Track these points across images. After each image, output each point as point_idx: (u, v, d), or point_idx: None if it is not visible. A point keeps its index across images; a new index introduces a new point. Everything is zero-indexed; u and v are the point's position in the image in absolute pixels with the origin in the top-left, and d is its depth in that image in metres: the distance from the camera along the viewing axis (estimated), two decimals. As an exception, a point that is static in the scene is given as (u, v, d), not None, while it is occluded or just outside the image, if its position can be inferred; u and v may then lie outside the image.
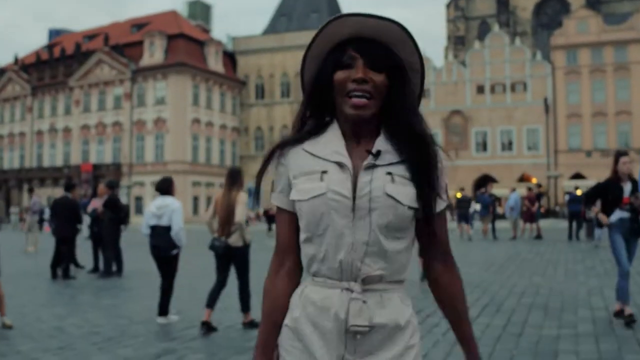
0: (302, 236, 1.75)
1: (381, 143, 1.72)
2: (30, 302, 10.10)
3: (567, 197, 26.12)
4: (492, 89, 62.15)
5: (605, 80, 59.97)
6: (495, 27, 67.97)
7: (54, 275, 13.23)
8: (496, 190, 51.89)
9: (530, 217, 25.33)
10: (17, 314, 8.83)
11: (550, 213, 55.28)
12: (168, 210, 8.21)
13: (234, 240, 7.59)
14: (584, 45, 60.76)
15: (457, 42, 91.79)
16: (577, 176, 58.83)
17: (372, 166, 1.67)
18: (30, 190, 23.20)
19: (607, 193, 7.81)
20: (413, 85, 1.81)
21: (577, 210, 23.54)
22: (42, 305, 9.72)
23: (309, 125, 1.81)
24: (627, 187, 7.64)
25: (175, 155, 62.59)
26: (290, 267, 1.80)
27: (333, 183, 1.67)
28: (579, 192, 25.59)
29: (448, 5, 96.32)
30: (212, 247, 7.71)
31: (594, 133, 60.09)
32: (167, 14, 71.55)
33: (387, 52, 1.74)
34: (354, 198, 1.65)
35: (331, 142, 1.74)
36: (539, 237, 24.70)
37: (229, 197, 7.59)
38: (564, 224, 35.53)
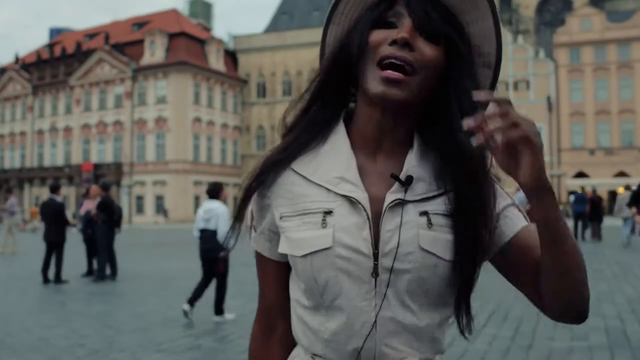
0: (300, 299, 1.20)
1: (413, 161, 1.15)
2: (18, 309, 9.73)
3: (572, 197, 25.70)
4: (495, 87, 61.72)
5: (609, 78, 59.64)
6: (498, 25, 67.53)
7: (45, 280, 12.85)
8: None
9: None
10: (2, 323, 8.50)
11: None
12: (214, 214, 8.42)
13: None
14: (587, 43, 60.44)
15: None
16: (580, 175, 58.59)
17: (401, 203, 1.12)
18: (8, 191, 22.75)
19: None
20: (478, 74, 1.21)
21: (582, 210, 23.14)
22: (29, 313, 9.33)
23: (303, 125, 1.22)
24: None
25: (176, 154, 62.30)
26: (283, 332, 1.28)
27: (342, 232, 1.11)
28: (579, 191, 25.23)
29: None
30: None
31: (597, 131, 59.78)
32: (168, 12, 71.30)
33: (450, 17, 1.16)
34: (375, 255, 1.10)
35: (335, 158, 1.17)
36: (544, 237, 24.28)
37: None
38: (568, 223, 35.11)
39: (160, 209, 61.82)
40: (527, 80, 61.24)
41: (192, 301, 8.33)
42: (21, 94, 73.83)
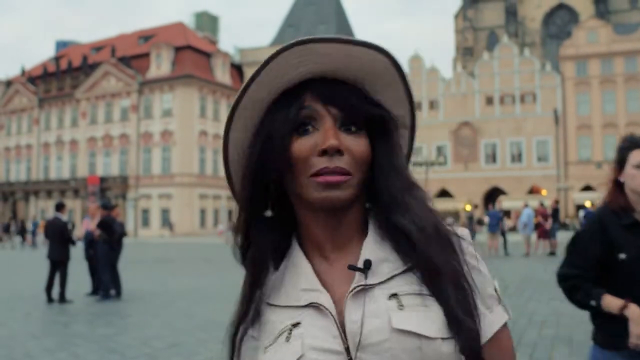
0: None
1: (371, 245, 1.06)
2: (21, 331, 9.56)
3: (581, 212, 25.48)
4: (502, 100, 61.63)
5: (616, 91, 59.44)
6: (504, 38, 67.52)
7: (49, 299, 12.70)
8: (506, 202, 51.38)
9: (544, 232, 24.73)
10: (4, 347, 8.33)
11: (561, 226, 54.61)
12: None
13: None
14: (594, 56, 60.29)
15: (466, 53, 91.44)
16: (588, 188, 58.23)
17: (364, 289, 1.02)
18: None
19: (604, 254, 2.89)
20: (401, 148, 1.14)
21: (592, 226, 22.89)
22: (32, 336, 9.16)
23: (260, 255, 1.11)
24: None
25: (182, 167, 62.24)
26: None
27: (311, 338, 1.00)
28: (587, 204, 24.97)
29: (456, 16, 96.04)
30: None
31: (605, 144, 59.46)
32: (174, 25, 71.49)
33: (366, 97, 1.09)
34: (347, 350, 0.98)
35: (296, 274, 1.08)
36: (552, 253, 24.06)
37: None
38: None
39: (166, 222, 61.71)
40: (534, 93, 61.05)
41: None
42: (27, 107, 74.00)
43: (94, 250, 13.58)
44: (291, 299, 1.06)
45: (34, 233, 41.64)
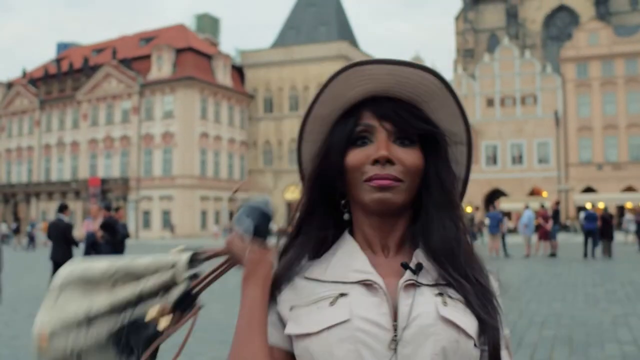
0: None
1: (421, 255, 1.17)
2: (25, 332, 9.59)
3: (582, 214, 25.50)
4: (502, 102, 61.70)
5: (616, 92, 59.51)
6: (505, 40, 67.60)
7: (52, 300, 12.75)
8: (507, 204, 51.41)
9: (544, 234, 24.79)
10: (8, 347, 8.40)
11: (562, 227, 54.68)
12: None
13: None
14: (595, 58, 60.35)
15: (467, 55, 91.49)
16: (588, 190, 58.31)
17: (414, 284, 1.12)
18: None
19: None
20: (453, 152, 1.24)
21: (592, 228, 22.97)
22: (35, 337, 9.21)
23: (308, 239, 1.23)
24: None
25: (183, 169, 62.29)
26: None
27: (359, 308, 1.09)
28: (587, 206, 24.99)
29: (457, 18, 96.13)
30: None
31: (605, 146, 59.57)
32: (175, 27, 71.54)
33: (419, 115, 1.19)
34: (394, 327, 1.07)
35: (346, 260, 1.17)
36: (553, 255, 24.12)
37: None
38: (576, 238, 34.86)
39: (167, 224, 61.78)
40: (535, 95, 61.12)
41: None
42: (28, 109, 74.04)
43: (95, 251, 13.62)
44: (339, 276, 1.14)
45: (31, 235, 41.59)
